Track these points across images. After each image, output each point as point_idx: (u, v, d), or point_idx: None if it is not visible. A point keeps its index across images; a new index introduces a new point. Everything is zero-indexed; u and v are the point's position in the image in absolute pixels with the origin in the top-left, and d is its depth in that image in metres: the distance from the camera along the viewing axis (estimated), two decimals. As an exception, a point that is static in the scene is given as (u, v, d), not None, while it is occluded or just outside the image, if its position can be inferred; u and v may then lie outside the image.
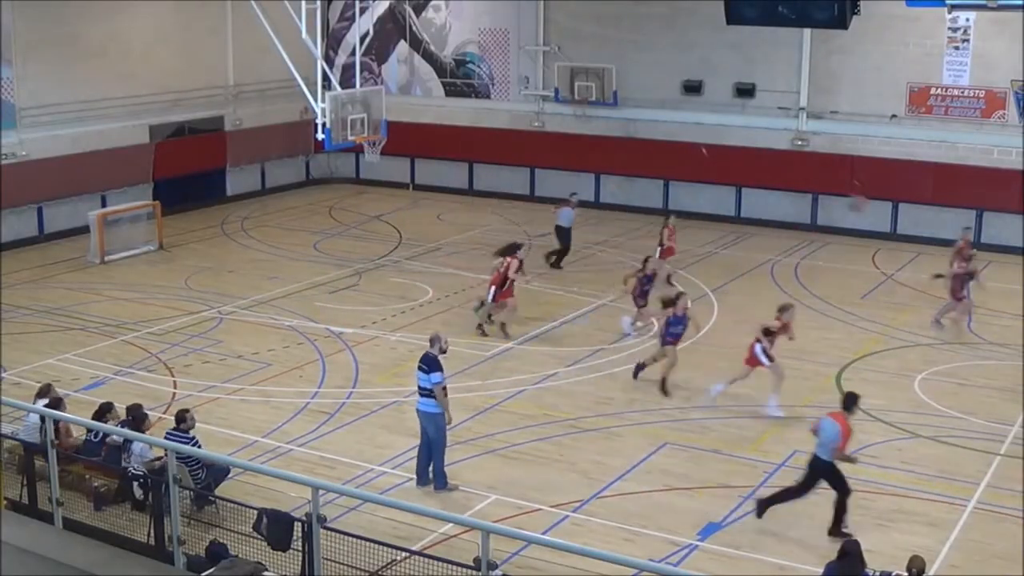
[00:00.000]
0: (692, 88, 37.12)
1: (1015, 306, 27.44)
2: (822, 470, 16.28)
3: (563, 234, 31.24)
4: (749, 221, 36.59)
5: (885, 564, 13.19)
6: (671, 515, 17.04)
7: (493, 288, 25.02)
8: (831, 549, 14.32)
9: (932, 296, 27.46)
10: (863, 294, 28.95)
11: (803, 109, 35.85)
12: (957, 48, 33.76)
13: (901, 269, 31.44)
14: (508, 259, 25.09)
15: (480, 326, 25.16)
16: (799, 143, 36.03)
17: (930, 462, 19.24)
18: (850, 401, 16.71)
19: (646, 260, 25.35)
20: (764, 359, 21.17)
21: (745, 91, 36.52)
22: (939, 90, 34.19)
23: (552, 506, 17.20)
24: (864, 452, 19.11)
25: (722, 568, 15.48)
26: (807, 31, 34.51)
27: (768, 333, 21.23)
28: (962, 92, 33.97)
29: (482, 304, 25.35)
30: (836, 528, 16.24)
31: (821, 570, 13.39)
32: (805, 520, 16.67)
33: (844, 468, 16.27)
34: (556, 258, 31.18)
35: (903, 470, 18.85)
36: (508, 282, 24.93)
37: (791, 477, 17.50)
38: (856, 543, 13.25)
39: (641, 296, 25.00)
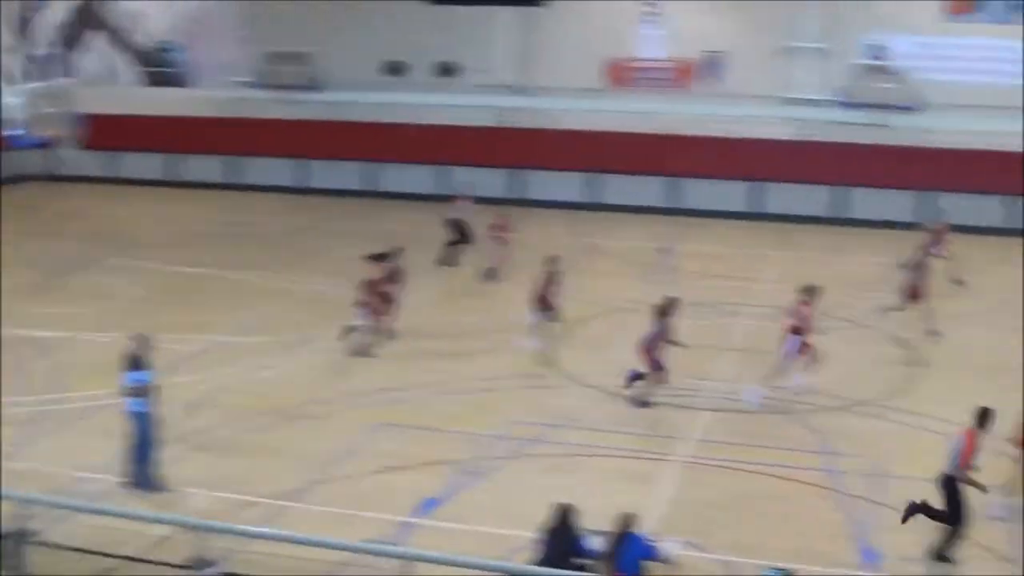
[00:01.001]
0: (395, 69, 37.13)
1: (715, 268, 28.46)
2: (945, 486, 15.29)
3: (461, 227, 30.52)
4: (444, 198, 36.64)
5: (598, 522, 13.43)
6: (389, 495, 16.97)
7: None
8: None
9: (638, 264, 28.28)
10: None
11: (506, 86, 36.31)
12: (651, 22, 34.81)
13: (606, 238, 32.22)
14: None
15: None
16: (502, 120, 36.49)
17: (637, 422, 19.85)
18: (982, 417, 15.44)
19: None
20: (796, 350, 21.15)
21: (449, 70, 36.74)
22: (635, 62, 35.17)
23: (269, 497, 16.89)
24: (575, 416, 19.73)
25: (445, 542, 15.50)
26: (506, 9, 34.95)
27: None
28: (657, 63, 35.04)
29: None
30: (939, 551, 15.35)
31: (535, 535, 13.56)
32: (522, 491, 16.90)
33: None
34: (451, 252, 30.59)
35: (612, 431, 19.34)
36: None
37: (506, 448, 17.83)
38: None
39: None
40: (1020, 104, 32.92)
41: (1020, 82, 33.25)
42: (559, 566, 12.96)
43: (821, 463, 18.38)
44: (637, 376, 20.71)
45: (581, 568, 13.17)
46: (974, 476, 15.20)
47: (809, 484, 17.63)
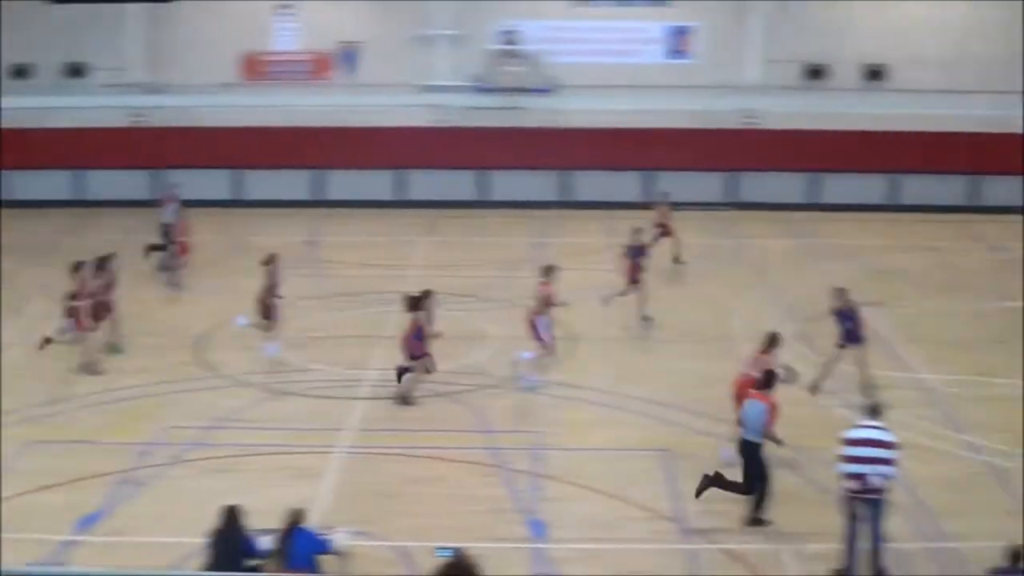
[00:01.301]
0: (20, 72, 35.39)
1: (365, 258, 28.55)
2: (748, 452, 15.97)
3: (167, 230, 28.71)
4: (90, 203, 35.42)
5: (267, 521, 13.25)
6: (47, 514, 16.20)
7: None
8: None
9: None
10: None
11: (137, 84, 35.24)
12: (285, 14, 34.52)
13: (255, 234, 31.70)
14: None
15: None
16: (137, 119, 35.39)
17: (298, 416, 19.73)
18: (771, 379, 16.55)
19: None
20: (544, 333, 21.34)
21: (77, 71, 35.32)
22: (271, 55, 34.82)
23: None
24: (235, 416, 19.41)
25: (110, 557, 14.94)
26: (135, 6, 33.89)
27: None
28: (293, 56, 34.79)
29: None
30: (754, 516, 16.08)
31: (203, 539, 13.25)
32: (185, 496, 16.50)
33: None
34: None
35: (273, 428, 19.14)
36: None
37: (165, 454, 17.45)
38: None
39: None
40: (649, 83, 34.46)
41: (648, 61, 34.86)
42: (231, 569, 12.74)
43: (484, 442, 18.73)
44: (404, 370, 20.54)
45: (254, 569, 12.99)
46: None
47: (474, 463, 17.95)
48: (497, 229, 32.58)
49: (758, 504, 16.22)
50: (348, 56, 34.90)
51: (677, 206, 34.45)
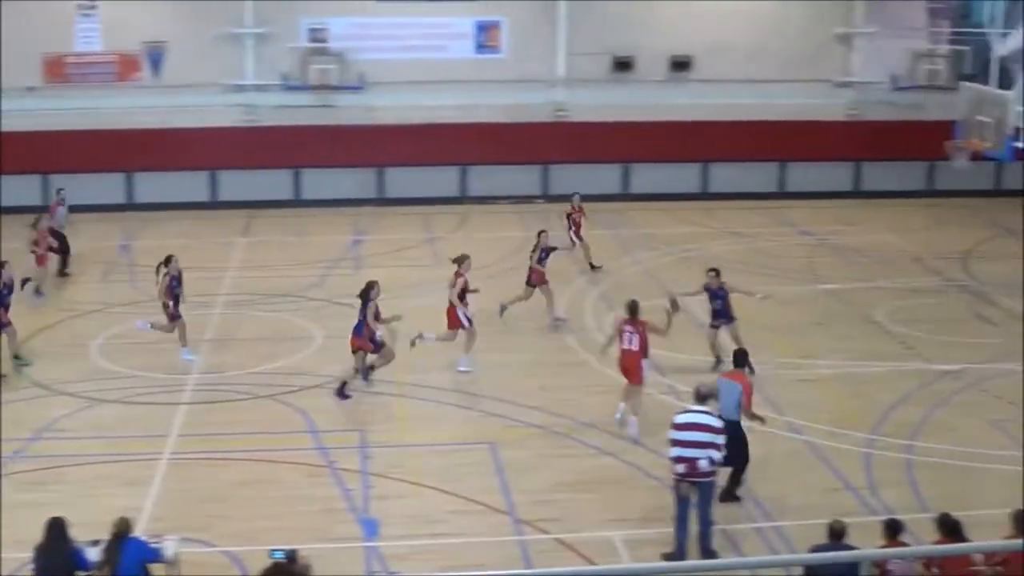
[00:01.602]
0: None
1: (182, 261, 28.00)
2: (730, 431, 15.82)
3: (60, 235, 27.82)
4: None
5: (94, 531, 12.95)
6: None
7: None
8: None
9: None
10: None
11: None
12: (87, 15, 33.63)
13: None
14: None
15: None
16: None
17: (119, 424, 19.32)
18: (742, 358, 17.28)
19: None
20: (466, 321, 21.69)
21: None
22: (74, 57, 33.88)
23: None
24: (54, 427, 18.92)
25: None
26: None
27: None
28: (96, 58, 33.93)
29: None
30: (729, 489, 16.60)
31: (29, 555, 12.90)
32: (7, 511, 16.01)
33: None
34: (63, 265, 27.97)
35: (95, 437, 18.71)
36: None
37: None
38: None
39: None
40: (459, 78, 34.60)
41: (457, 56, 34.97)
42: (60, 583, 12.43)
43: (312, 442, 18.62)
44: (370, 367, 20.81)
45: (83, 582, 12.70)
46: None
47: (302, 464, 17.84)
48: (313, 228, 32.34)
49: (734, 480, 16.75)
50: (153, 57, 34.16)
51: (487, 200, 34.92)
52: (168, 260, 22.38)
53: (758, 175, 36.21)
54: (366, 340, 20.56)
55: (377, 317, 20.54)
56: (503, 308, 24.70)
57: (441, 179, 35.32)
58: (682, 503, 15.05)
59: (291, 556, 12.19)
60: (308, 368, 21.88)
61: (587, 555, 15.18)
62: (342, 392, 20.49)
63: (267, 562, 12.18)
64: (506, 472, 17.66)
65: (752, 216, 33.57)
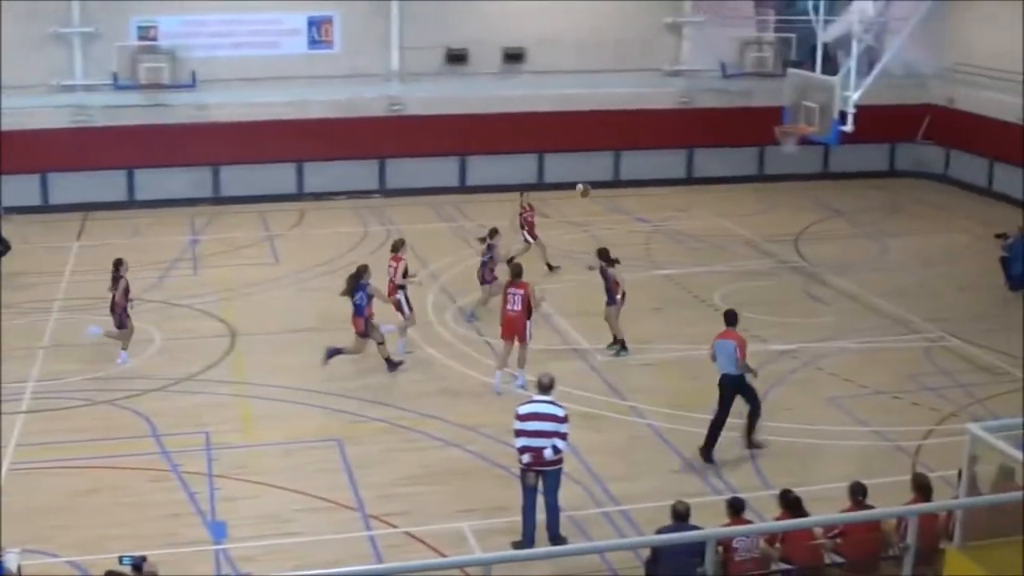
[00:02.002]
0: None
1: (14, 267, 27.29)
2: (733, 384, 17.78)
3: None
4: None
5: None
6: None
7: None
8: None
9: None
10: None
11: None
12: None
13: None
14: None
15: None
16: None
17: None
18: (733, 317, 18.33)
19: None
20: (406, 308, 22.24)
21: None
22: None
23: None
24: None
25: None
26: None
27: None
28: None
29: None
30: (749, 439, 18.20)
31: None
32: None
33: None
34: None
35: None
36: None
37: None
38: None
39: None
40: (293, 74, 34.31)
41: (291, 52, 34.65)
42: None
43: (154, 447, 18.34)
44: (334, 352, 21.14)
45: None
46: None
47: (146, 469, 17.58)
48: (149, 229, 31.77)
49: (751, 427, 18.27)
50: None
51: (324, 196, 34.69)
52: (120, 264, 22.07)
53: (592, 164, 36.60)
54: (362, 322, 21.14)
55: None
56: (471, 315, 24.46)
57: (277, 176, 34.98)
58: (529, 492, 15.22)
59: (139, 563, 12.03)
60: (148, 371, 21.53)
61: (437, 547, 15.26)
62: (392, 363, 21.45)
63: (114, 569, 12.00)
64: (353, 468, 17.66)
65: (587, 205, 33.88)
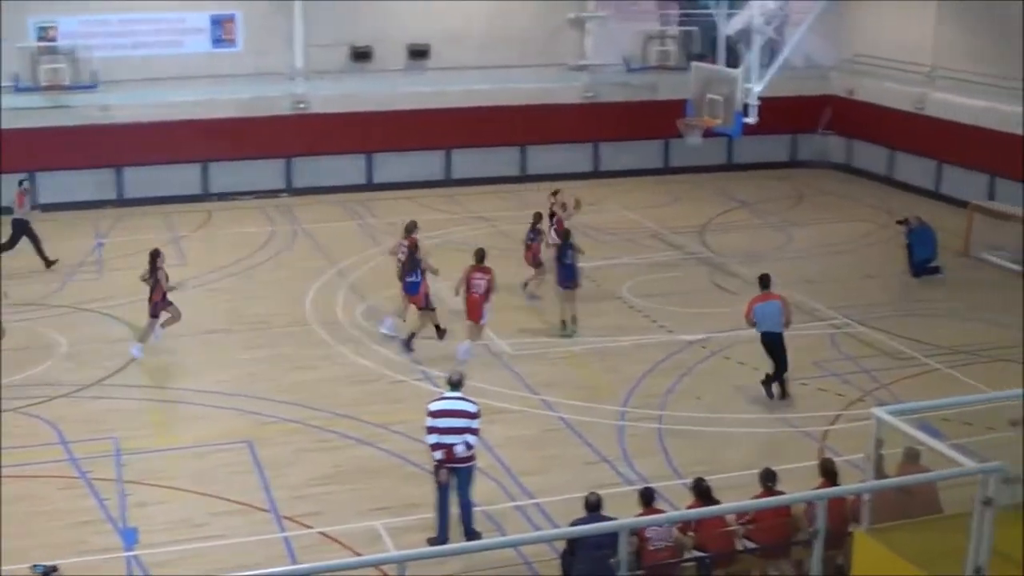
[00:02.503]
0: None
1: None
2: (779, 340, 20.11)
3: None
4: None
5: None
6: None
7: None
8: None
9: None
10: None
11: None
12: None
13: None
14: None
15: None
16: None
17: None
18: (767, 280, 20.66)
19: None
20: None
21: None
22: None
23: None
24: None
25: None
26: None
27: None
28: None
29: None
30: (771, 388, 20.25)
31: None
32: None
33: None
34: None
35: None
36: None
37: None
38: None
39: None
40: (197, 73, 33.96)
41: (194, 51, 34.29)
42: None
43: (63, 454, 18.09)
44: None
45: None
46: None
47: (55, 477, 17.34)
48: (52, 233, 31.13)
49: (781, 381, 20.24)
50: None
51: (230, 196, 34.42)
52: (157, 254, 22.37)
53: (499, 160, 36.71)
54: (422, 297, 22.29)
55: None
56: (526, 286, 25.78)
57: (182, 177, 34.60)
58: (442, 488, 15.25)
59: (49, 572, 11.92)
60: (55, 378, 21.20)
61: (351, 546, 15.25)
62: (441, 331, 22.42)
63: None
64: (265, 469, 17.57)
65: (495, 200, 34.05)
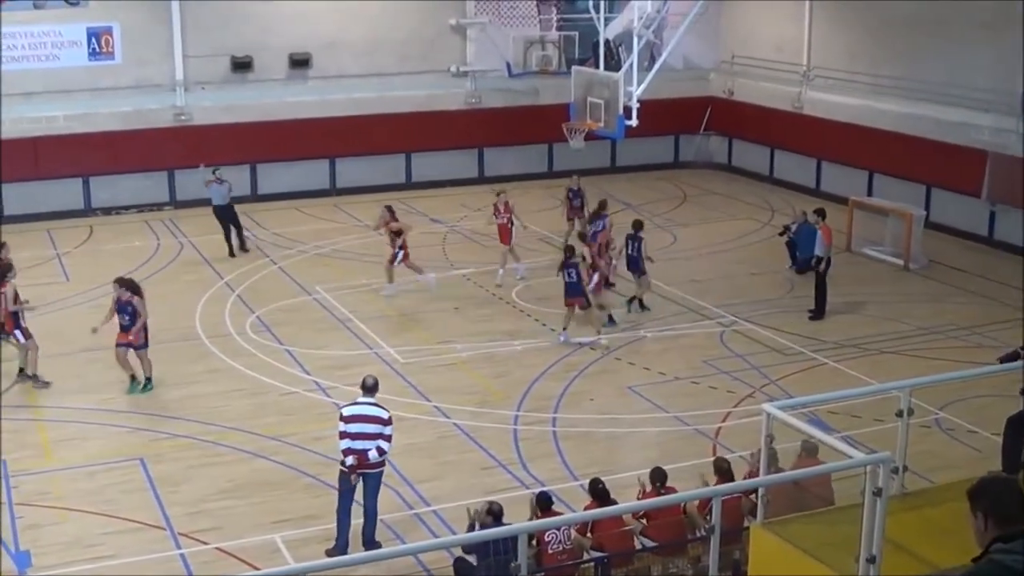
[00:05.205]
0: None
1: None
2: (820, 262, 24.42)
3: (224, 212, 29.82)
4: None
5: None
6: None
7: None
8: None
9: None
10: None
11: None
12: None
13: None
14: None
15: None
16: None
17: None
18: (822, 212, 25.37)
19: None
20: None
21: None
22: None
23: None
24: None
25: None
26: None
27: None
28: None
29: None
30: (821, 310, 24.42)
31: None
32: None
33: None
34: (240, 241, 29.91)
35: None
36: None
37: None
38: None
39: None
40: (75, 87, 33.37)
41: (71, 64, 33.68)
42: None
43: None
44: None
45: None
46: None
47: (-60, 502, 16.94)
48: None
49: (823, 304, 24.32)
50: None
51: (112, 211, 33.90)
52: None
53: (384, 167, 36.66)
54: (583, 298, 23.00)
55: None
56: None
57: (62, 192, 33.98)
58: (345, 497, 15.21)
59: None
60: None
61: (249, 560, 15.14)
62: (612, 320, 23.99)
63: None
64: (158, 486, 17.36)
65: (375, 209, 33.99)
